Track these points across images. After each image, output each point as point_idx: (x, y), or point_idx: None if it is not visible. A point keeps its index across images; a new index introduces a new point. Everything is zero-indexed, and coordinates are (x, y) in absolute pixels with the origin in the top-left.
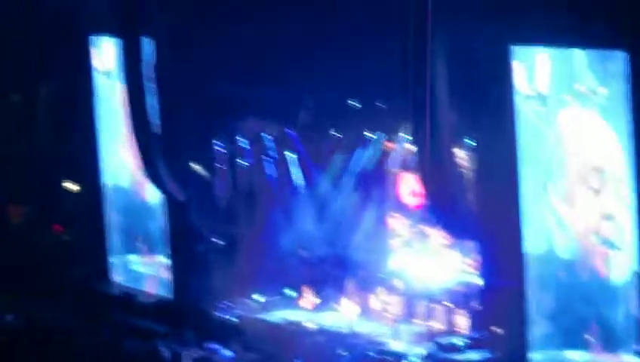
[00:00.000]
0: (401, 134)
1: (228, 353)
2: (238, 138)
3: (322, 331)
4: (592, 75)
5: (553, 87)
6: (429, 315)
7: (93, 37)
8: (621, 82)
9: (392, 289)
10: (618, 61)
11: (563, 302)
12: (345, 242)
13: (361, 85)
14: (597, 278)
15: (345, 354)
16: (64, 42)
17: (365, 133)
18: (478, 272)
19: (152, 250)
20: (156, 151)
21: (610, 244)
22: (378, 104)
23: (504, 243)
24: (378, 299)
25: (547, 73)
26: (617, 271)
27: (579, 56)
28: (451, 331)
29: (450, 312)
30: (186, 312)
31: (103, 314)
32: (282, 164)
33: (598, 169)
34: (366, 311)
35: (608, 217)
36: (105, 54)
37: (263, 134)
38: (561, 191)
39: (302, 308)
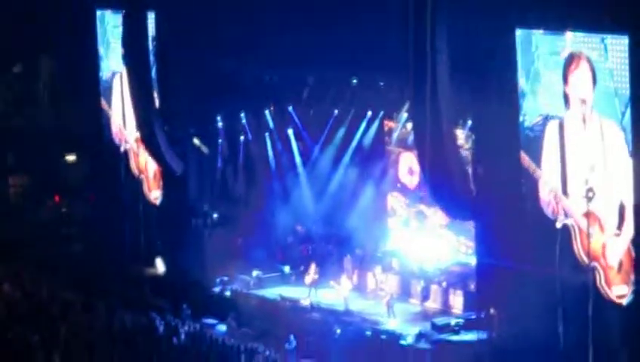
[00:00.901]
0: (401, 113)
1: (223, 328)
2: (238, 113)
3: (318, 308)
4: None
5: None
6: (425, 295)
7: (97, 10)
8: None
9: (388, 269)
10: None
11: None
12: (343, 220)
13: (362, 63)
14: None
15: (339, 331)
16: (69, 15)
17: (365, 110)
18: (475, 253)
19: (148, 224)
20: (157, 124)
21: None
22: (378, 82)
23: (502, 224)
24: (374, 278)
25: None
26: (612, 255)
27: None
28: (447, 311)
29: (446, 292)
30: (183, 287)
31: (100, 288)
32: (282, 141)
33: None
34: (362, 290)
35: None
36: (109, 27)
37: (262, 110)
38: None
39: (298, 285)
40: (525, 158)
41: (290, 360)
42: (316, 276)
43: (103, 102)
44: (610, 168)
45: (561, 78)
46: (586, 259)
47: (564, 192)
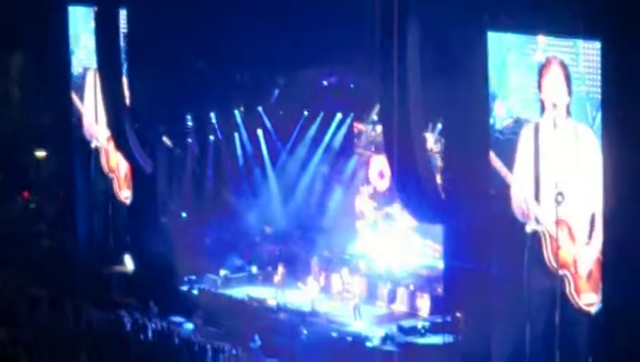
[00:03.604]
0: (371, 115)
1: (190, 326)
2: (208, 113)
3: (284, 309)
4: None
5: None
6: (392, 298)
7: (69, 5)
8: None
9: (355, 271)
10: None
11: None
12: (311, 221)
13: (333, 65)
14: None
15: (305, 332)
16: (40, 10)
17: (335, 112)
18: (442, 256)
19: (117, 223)
20: (127, 122)
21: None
22: (349, 84)
23: (470, 228)
24: (341, 280)
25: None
26: (582, 264)
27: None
28: (413, 314)
29: (413, 295)
30: (150, 284)
31: (69, 285)
32: (251, 141)
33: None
34: (328, 291)
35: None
36: (81, 22)
37: (232, 110)
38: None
39: (265, 285)
40: (497, 162)
41: (256, 359)
42: (278, 277)
43: (75, 99)
44: (582, 175)
45: (534, 81)
46: (555, 267)
47: (536, 198)
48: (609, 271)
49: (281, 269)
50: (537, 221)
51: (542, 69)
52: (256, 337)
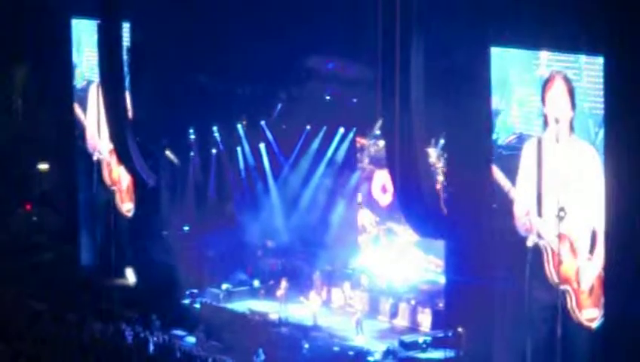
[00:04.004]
0: (373, 130)
1: (192, 339)
2: (210, 126)
3: (286, 323)
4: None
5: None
6: (394, 312)
7: (73, 18)
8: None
9: (357, 285)
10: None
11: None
12: (313, 236)
13: (334, 80)
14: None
15: (307, 346)
16: (44, 24)
17: (337, 127)
18: (444, 271)
19: (119, 235)
20: (129, 135)
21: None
22: (351, 99)
23: (472, 243)
24: (343, 294)
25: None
26: (584, 279)
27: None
28: (415, 329)
29: (414, 310)
30: (152, 298)
31: (71, 298)
32: (253, 155)
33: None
34: (330, 305)
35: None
36: (85, 35)
37: (235, 124)
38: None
39: (267, 299)
40: (499, 176)
41: None
42: (280, 291)
43: (78, 111)
44: (583, 190)
45: (537, 96)
46: (557, 282)
47: (539, 213)
48: (610, 286)
49: (283, 283)
50: (539, 236)
51: (545, 83)
52: (260, 351)
